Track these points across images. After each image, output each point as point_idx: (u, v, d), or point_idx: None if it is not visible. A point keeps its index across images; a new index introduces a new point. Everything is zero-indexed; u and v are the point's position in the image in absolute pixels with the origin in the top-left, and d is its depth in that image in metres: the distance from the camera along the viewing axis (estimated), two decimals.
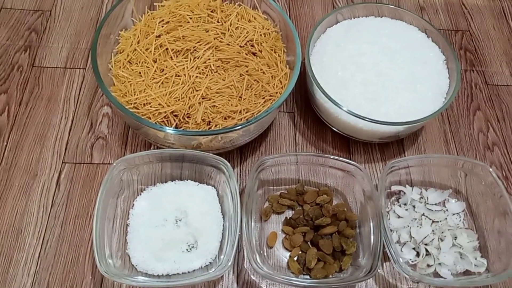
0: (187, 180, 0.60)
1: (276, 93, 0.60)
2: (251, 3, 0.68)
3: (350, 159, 0.65)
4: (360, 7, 0.70)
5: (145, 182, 0.60)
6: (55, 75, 0.70)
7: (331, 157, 0.59)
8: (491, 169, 0.58)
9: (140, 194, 0.59)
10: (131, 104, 0.57)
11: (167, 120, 0.57)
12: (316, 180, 0.62)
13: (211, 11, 0.64)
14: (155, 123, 0.56)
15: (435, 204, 0.61)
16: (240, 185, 0.63)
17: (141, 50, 0.60)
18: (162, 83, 0.58)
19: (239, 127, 0.55)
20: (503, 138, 0.70)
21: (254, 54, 0.63)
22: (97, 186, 0.61)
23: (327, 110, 0.63)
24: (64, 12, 0.76)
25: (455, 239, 0.58)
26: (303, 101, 0.71)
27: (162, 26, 0.62)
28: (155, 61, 0.60)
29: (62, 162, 0.62)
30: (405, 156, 0.67)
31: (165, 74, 0.58)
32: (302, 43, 0.62)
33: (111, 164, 0.62)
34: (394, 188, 0.62)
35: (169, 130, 0.54)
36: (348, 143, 0.67)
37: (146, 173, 0.59)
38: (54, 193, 0.60)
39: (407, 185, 0.62)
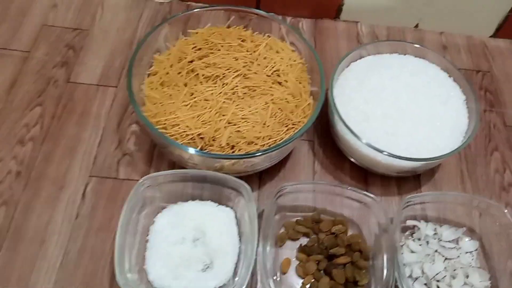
0: (207, 200, 0.62)
1: (299, 122, 0.63)
2: (279, 35, 0.71)
3: (367, 191, 0.67)
4: (384, 44, 0.73)
5: (166, 199, 0.62)
6: (88, 91, 0.73)
7: (348, 187, 0.61)
8: (506, 210, 0.59)
9: (161, 212, 0.61)
10: (161, 124, 0.59)
11: (193, 142, 0.59)
12: (332, 210, 0.64)
13: (242, 41, 0.67)
14: (182, 144, 0.58)
15: (449, 241, 0.62)
16: (257, 209, 0.64)
17: (173, 73, 0.63)
18: (191, 106, 0.61)
19: (261, 153, 0.57)
20: None
21: (279, 83, 0.65)
22: (121, 201, 0.63)
23: (347, 142, 0.65)
24: (101, 32, 0.80)
25: (467, 278, 0.59)
26: (324, 130, 0.73)
27: (195, 52, 0.65)
28: (185, 85, 0.63)
29: (89, 176, 0.65)
30: (421, 191, 0.68)
31: (195, 98, 0.61)
32: (327, 75, 0.65)
33: (136, 180, 0.64)
34: (409, 222, 0.62)
35: (196, 151, 0.56)
36: (365, 175, 0.69)
37: (168, 191, 0.61)
38: (79, 205, 0.62)
39: (422, 221, 0.63)
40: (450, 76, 0.70)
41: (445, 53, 0.85)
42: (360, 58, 0.72)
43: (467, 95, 0.68)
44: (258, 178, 0.67)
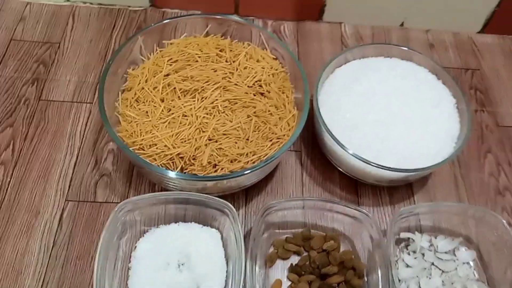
0: (191, 222, 0.59)
1: (284, 135, 0.59)
2: (259, 42, 0.68)
3: (358, 202, 0.64)
4: (369, 47, 0.70)
5: (148, 223, 0.59)
6: (61, 109, 0.69)
7: (339, 203, 0.58)
8: (504, 221, 0.57)
9: (143, 236, 0.58)
10: (137, 145, 0.56)
11: (172, 162, 0.56)
12: (323, 224, 0.61)
13: (220, 50, 0.64)
14: (160, 165, 0.55)
15: (445, 253, 0.59)
16: (244, 226, 0.62)
17: (148, 89, 0.60)
18: (169, 123, 0.57)
19: (247, 171, 0.54)
20: None
21: (262, 94, 0.62)
22: (100, 225, 0.60)
23: (335, 152, 0.62)
24: (73, 45, 0.76)
25: None
26: (311, 139, 0.70)
27: (171, 65, 0.61)
28: (162, 101, 0.59)
29: (65, 200, 0.61)
30: (414, 199, 0.66)
31: (172, 114, 0.58)
32: (311, 81, 0.62)
33: (115, 203, 0.61)
34: (403, 235, 0.60)
35: (174, 174, 0.53)
36: (356, 185, 0.66)
37: (150, 214, 0.58)
38: (56, 232, 0.59)
39: (416, 232, 0.60)
40: (439, 79, 0.68)
41: (432, 52, 0.83)
42: (345, 62, 0.69)
43: (457, 98, 0.65)
44: (244, 194, 0.64)
